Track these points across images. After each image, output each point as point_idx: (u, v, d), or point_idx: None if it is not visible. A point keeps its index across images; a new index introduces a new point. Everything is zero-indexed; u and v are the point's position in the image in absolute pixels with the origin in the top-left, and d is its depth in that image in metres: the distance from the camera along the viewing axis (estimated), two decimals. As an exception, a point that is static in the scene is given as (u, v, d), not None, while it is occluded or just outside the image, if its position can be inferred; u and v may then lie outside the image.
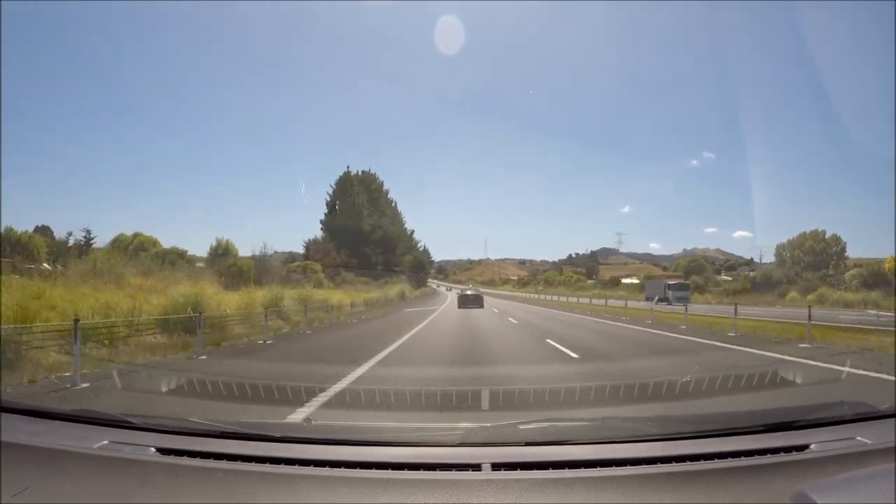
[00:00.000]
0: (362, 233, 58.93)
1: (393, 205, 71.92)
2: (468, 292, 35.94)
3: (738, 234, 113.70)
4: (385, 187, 70.37)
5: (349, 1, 70.13)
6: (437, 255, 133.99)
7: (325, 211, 62.08)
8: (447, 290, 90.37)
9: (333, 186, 62.15)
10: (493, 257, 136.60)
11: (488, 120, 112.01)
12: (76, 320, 7.93)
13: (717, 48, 68.40)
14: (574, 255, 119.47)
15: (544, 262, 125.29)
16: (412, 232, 77.53)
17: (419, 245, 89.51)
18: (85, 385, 6.74)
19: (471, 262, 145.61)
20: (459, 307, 30.07)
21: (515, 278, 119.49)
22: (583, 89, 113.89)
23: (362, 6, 70.10)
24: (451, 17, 72.42)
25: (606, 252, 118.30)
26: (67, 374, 7.31)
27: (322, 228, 60.51)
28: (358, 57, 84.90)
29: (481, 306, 30.70)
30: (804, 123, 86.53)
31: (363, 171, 66.81)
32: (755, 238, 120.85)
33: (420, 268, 71.62)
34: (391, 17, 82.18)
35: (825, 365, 8.33)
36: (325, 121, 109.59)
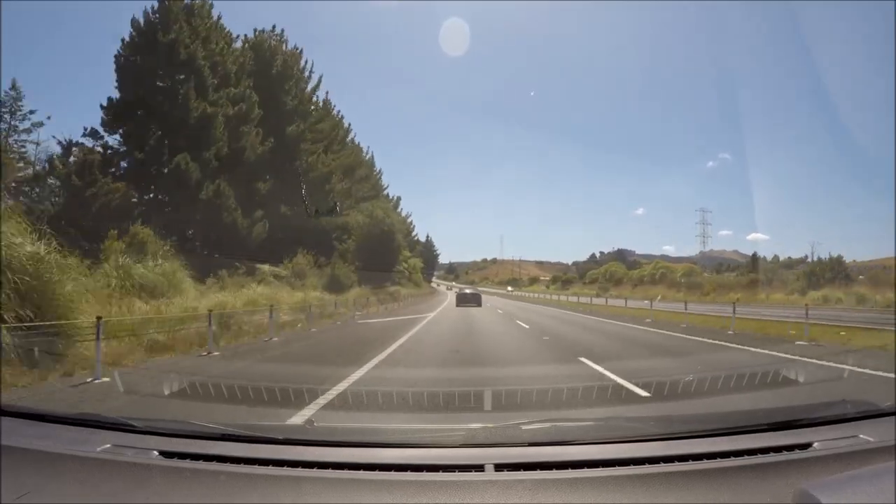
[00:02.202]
0: (185, 124, 23.90)
1: (341, 124, 37.08)
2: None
3: (753, 236, 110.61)
4: (311, 71, 33.68)
5: (370, 1, 66.08)
6: (452, 258, 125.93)
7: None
8: (447, 288, 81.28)
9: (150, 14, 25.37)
10: (507, 258, 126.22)
11: (499, 124, 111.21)
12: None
13: (731, 49, 68.14)
14: (599, 255, 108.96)
15: (559, 264, 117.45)
16: (397, 200, 54.55)
17: (412, 227, 67.40)
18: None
19: (485, 261, 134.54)
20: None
21: (547, 277, 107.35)
22: (596, 91, 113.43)
23: (376, 7, 68.05)
24: (458, 19, 71.73)
25: (624, 254, 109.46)
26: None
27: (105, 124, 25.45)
28: (368, 59, 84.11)
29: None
30: (817, 126, 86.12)
31: (261, 30, 31.89)
32: (770, 240, 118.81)
33: (385, 248, 36.98)
34: (400, 21, 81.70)
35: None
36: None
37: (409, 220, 64.59)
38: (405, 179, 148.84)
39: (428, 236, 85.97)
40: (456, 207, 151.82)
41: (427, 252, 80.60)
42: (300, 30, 78.39)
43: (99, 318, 8.12)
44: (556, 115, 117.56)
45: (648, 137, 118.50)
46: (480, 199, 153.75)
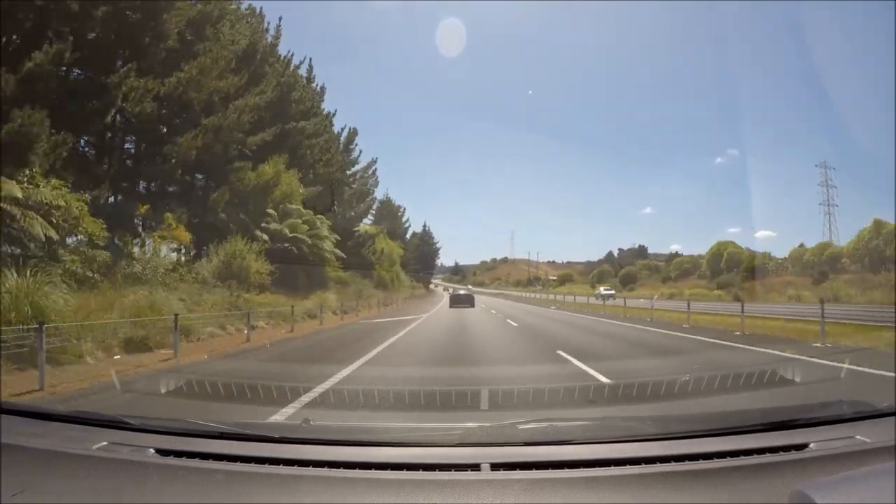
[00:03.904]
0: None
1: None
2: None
3: (762, 233, 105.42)
4: None
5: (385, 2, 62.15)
6: (458, 260, 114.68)
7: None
8: (444, 290, 70.30)
9: None
10: (517, 257, 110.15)
11: (503, 126, 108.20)
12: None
13: (737, 44, 67.25)
14: (618, 252, 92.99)
15: (572, 263, 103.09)
16: (352, 131, 36.38)
17: (400, 211, 52.53)
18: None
19: (494, 261, 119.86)
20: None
21: (570, 275, 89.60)
22: (597, 91, 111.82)
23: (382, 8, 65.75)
24: (456, 19, 70.16)
25: (644, 251, 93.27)
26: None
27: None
28: (370, 59, 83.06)
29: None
30: (819, 122, 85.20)
31: None
32: (778, 237, 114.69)
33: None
34: (402, 22, 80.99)
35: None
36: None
37: (371, 169, 41.81)
38: (409, 180, 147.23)
39: (426, 226, 68.88)
40: (461, 208, 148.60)
41: (424, 245, 65.65)
42: (303, 33, 77.68)
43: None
44: (562, 116, 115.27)
45: (654, 136, 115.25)
46: (485, 201, 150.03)
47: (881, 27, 55.40)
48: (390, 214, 50.86)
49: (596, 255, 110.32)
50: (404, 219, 57.16)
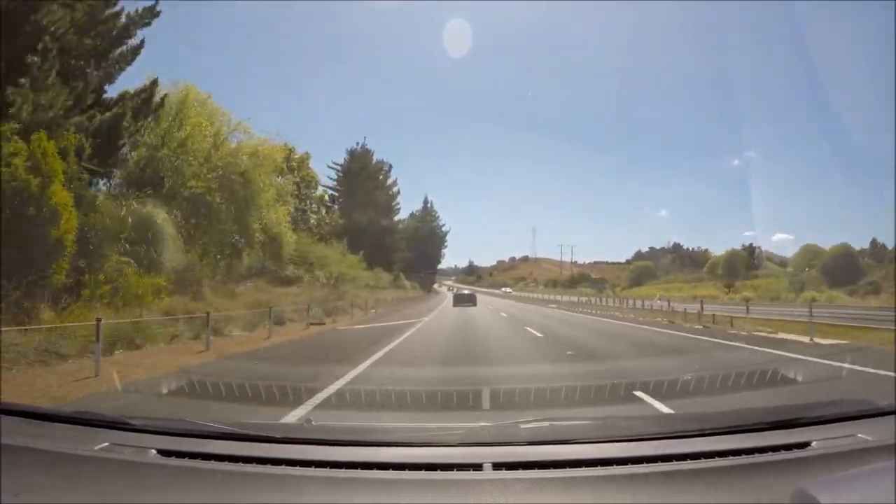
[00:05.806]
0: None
1: None
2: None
3: (778, 236, 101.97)
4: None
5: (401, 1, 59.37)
6: (475, 262, 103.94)
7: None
8: (448, 289, 58.93)
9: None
10: (540, 255, 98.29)
11: (508, 125, 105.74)
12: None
13: (746, 45, 66.56)
14: (647, 250, 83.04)
15: (598, 263, 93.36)
16: None
17: (384, 170, 36.43)
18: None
19: (513, 260, 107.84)
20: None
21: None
22: (607, 93, 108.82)
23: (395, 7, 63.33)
24: (462, 20, 68.24)
25: (671, 251, 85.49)
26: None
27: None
28: (377, 60, 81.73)
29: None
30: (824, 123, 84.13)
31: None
32: (794, 240, 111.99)
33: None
34: (407, 23, 79.61)
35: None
36: (347, 122, 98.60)
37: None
38: (412, 180, 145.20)
39: (427, 201, 48.82)
40: (469, 208, 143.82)
41: (424, 227, 48.37)
42: (302, 33, 76.33)
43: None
44: (571, 118, 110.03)
45: (668, 139, 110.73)
46: (494, 201, 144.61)
47: (881, 27, 55.36)
48: (366, 173, 32.29)
49: (610, 256, 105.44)
50: (389, 181, 37.22)
